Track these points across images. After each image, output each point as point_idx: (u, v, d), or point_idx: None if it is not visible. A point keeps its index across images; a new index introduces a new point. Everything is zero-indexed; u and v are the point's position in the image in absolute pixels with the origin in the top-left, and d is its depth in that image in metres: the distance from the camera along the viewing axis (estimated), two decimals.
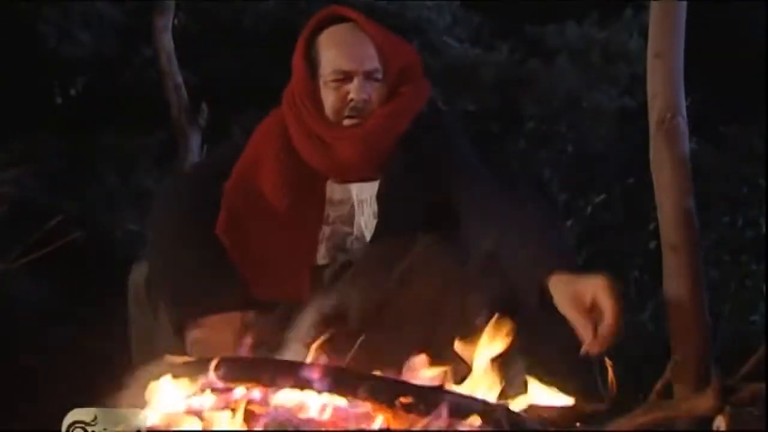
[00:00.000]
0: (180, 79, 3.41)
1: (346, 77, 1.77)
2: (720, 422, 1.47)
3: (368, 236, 1.78)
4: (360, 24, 1.81)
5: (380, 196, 1.78)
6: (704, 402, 1.28)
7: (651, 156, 1.96)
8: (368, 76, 1.78)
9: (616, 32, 4.26)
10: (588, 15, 4.28)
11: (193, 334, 1.65)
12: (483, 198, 1.71)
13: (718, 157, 3.89)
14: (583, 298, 1.45)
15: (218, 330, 1.64)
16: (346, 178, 1.82)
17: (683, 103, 1.94)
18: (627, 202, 3.78)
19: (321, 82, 1.80)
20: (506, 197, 1.69)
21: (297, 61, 1.82)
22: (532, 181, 1.80)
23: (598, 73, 4.25)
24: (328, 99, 1.79)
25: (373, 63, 1.78)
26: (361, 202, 1.80)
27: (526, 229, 1.60)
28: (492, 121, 4.13)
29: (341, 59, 1.78)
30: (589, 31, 4.28)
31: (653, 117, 1.95)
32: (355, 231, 1.79)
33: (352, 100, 1.77)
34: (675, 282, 1.90)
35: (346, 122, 1.79)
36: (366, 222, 1.79)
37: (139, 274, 1.78)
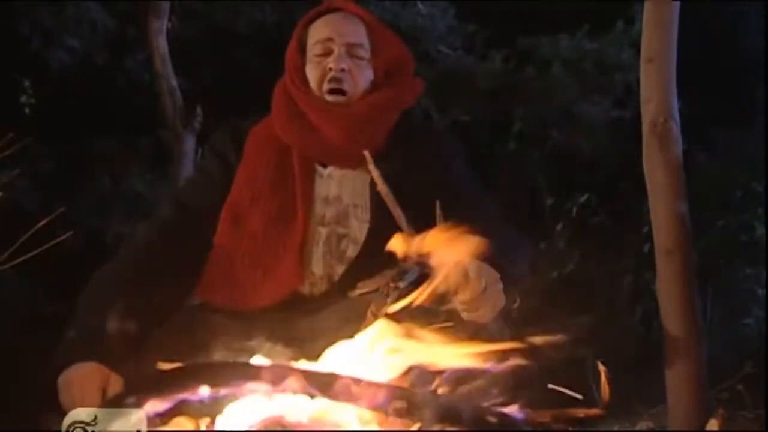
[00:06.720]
0: (174, 83, 3.40)
1: (327, 50, 1.83)
2: (712, 424, 1.48)
3: (361, 239, 1.77)
4: (350, 10, 1.88)
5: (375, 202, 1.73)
6: None
7: (644, 160, 1.96)
8: (351, 50, 1.83)
9: (608, 44, 4.27)
10: (580, 27, 4.30)
11: (63, 377, 1.56)
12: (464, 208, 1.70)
13: (711, 161, 3.90)
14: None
15: (82, 377, 1.55)
16: (332, 162, 1.83)
17: (676, 108, 1.95)
18: (620, 206, 3.79)
19: (307, 61, 1.86)
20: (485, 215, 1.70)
21: (292, 42, 1.89)
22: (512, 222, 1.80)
23: (592, 79, 4.25)
24: (312, 74, 1.84)
25: (357, 38, 1.84)
26: (356, 206, 1.80)
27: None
28: (484, 129, 4.13)
29: (323, 30, 1.85)
30: (581, 42, 4.29)
31: (646, 121, 1.96)
32: (350, 232, 1.79)
33: (331, 69, 1.81)
34: (668, 285, 1.90)
35: (329, 98, 1.82)
36: (360, 227, 1.78)
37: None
